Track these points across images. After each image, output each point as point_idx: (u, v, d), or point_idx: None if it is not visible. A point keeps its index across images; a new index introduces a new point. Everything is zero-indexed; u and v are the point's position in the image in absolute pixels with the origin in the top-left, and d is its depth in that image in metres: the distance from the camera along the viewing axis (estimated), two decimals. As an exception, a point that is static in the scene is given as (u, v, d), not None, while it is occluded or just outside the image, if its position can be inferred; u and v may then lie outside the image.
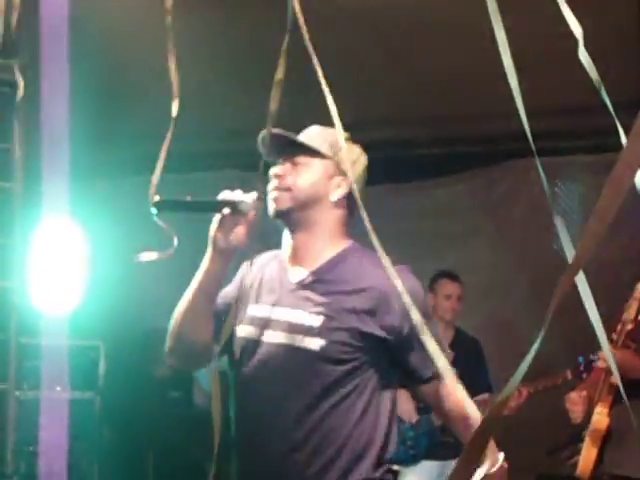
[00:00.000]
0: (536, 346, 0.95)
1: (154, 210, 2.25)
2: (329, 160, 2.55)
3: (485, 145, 6.26)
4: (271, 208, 2.53)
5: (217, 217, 2.43)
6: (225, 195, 2.43)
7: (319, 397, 2.43)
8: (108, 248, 5.59)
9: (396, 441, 2.62)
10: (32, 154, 4.26)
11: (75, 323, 4.90)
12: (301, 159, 2.55)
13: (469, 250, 6.50)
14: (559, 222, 1.05)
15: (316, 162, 2.55)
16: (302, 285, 2.53)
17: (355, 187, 2.44)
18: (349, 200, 2.57)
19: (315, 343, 2.43)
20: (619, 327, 3.76)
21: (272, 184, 2.53)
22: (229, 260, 2.49)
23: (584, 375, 4.46)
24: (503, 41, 1.12)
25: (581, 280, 1.00)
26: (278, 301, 2.53)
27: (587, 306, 1.03)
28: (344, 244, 2.58)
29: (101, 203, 5.94)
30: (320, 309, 2.47)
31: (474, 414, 2.52)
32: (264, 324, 2.53)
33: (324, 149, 2.55)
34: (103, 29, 4.58)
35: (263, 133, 2.43)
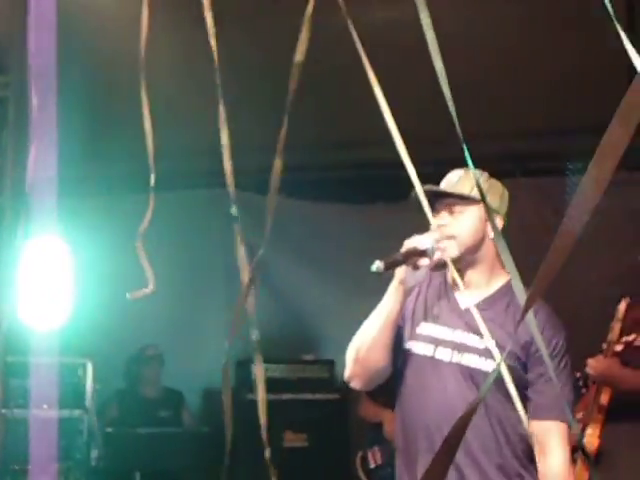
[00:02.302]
0: (497, 365, 0.96)
1: (382, 270, 2.61)
2: (481, 203, 2.75)
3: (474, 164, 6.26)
4: (442, 256, 2.69)
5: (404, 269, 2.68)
6: (411, 243, 2.67)
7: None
8: (96, 266, 5.57)
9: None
10: (22, 170, 4.25)
11: (63, 341, 4.87)
12: (458, 208, 2.78)
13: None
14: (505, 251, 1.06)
15: (473, 208, 2.78)
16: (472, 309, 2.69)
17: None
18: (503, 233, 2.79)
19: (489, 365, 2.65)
20: (605, 347, 3.77)
21: (436, 234, 2.70)
22: (407, 295, 2.76)
23: (582, 391, 4.45)
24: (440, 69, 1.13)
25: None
26: (448, 322, 2.78)
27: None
28: (506, 276, 2.77)
29: (89, 220, 5.92)
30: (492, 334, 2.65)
31: None
32: (437, 342, 2.77)
33: (475, 194, 2.76)
34: (93, 45, 4.58)
35: (415, 192, 2.62)
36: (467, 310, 2.73)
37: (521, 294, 1.03)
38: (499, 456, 2.66)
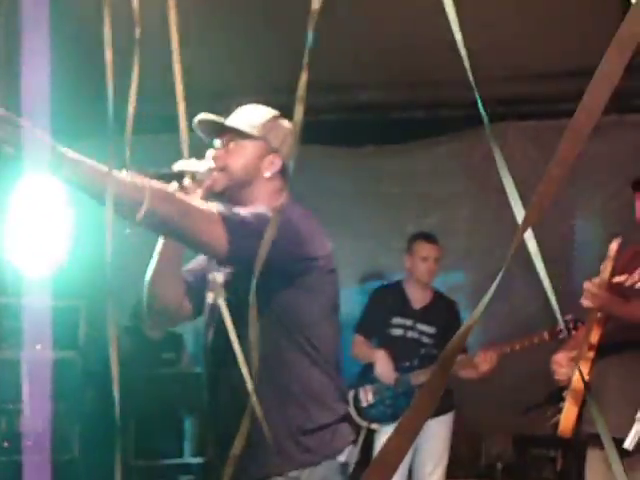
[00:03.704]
0: (497, 281, 0.99)
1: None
2: (260, 140, 2.77)
3: (466, 109, 6.28)
4: (212, 186, 2.71)
5: (174, 186, 2.58)
6: (181, 165, 2.63)
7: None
8: (90, 209, 5.57)
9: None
10: (13, 107, 4.23)
11: (58, 284, 4.90)
12: (234, 142, 2.77)
13: (449, 212, 6.54)
14: (508, 182, 1.08)
15: (247, 144, 2.77)
16: None
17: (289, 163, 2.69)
18: (283, 173, 2.80)
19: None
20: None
21: (210, 163, 2.71)
22: None
23: (572, 333, 4.48)
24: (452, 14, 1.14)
25: (530, 237, 1.04)
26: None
27: (535, 261, 1.07)
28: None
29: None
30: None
31: None
32: (210, 288, 2.80)
33: (255, 131, 2.76)
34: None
35: (197, 117, 2.72)
36: None
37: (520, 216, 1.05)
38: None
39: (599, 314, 3.73)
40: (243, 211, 2.55)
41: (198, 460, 5.90)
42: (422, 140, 6.56)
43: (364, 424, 5.31)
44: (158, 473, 5.78)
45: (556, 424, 3.80)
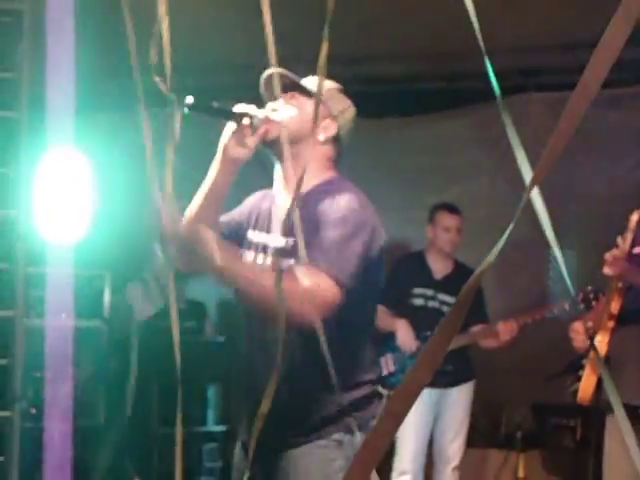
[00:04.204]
0: (511, 227, 1.03)
1: (186, 109, 2.50)
2: (321, 104, 2.76)
3: (488, 81, 6.26)
4: (267, 134, 2.70)
5: (230, 127, 2.66)
6: (242, 107, 2.66)
7: None
8: (115, 179, 5.64)
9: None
10: (38, 84, 4.28)
11: (82, 253, 4.95)
12: (296, 99, 2.80)
13: (471, 184, 6.54)
14: (520, 153, 1.12)
15: (309, 102, 2.79)
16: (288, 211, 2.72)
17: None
18: (335, 142, 2.85)
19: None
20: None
21: (258, 112, 2.70)
22: (234, 172, 2.72)
23: (593, 304, 4.51)
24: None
25: (537, 196, 1.08)
26: (265, 227, 2.82)
27: (542, 221, 1.11)
28: (328, 176, 2.82)
29: (106, 135, 5.96)
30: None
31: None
32: (255, 248, 2.80)
33: (315, 91, 2.74)
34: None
35: (267, 72, 2.73)
36: (285, 211, 2.77)
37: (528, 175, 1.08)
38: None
39: (619, 284, 3.76)
40: (353, 252, 2.61)
41: (221, 428, 5.98)
42: (444, 112, 6.57)
43: (385, 392, 5.36)
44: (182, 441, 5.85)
45: (575, 392, 3.84)
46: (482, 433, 6.07)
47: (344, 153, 2.90)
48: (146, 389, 5.86)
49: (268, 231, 2.82)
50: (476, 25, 1.12)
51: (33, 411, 5.20)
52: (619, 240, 3.76)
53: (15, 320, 4.56)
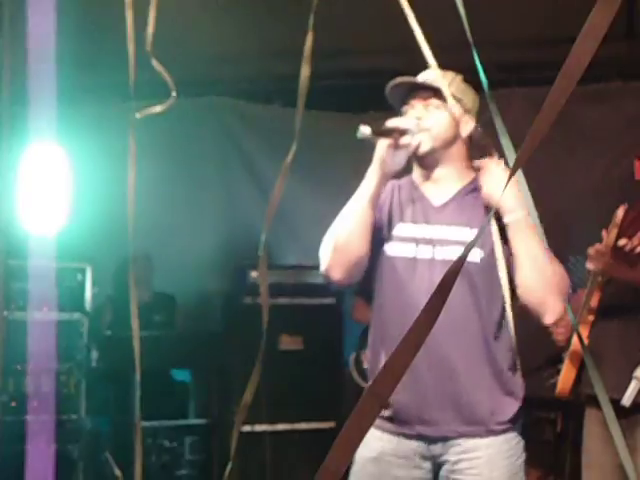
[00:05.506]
0: (490, 216, 1.04)
1: (368, 136, 2.71)
2: (457, 102, 2.80)
3: (470, 75, 6.27)
4: (418, 148, 2.76)
5: (384, 143, 2.72)
6: (394, 122, 2.73)
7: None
8: (93, 172, 5.62)
9: None
10: (19, 77, 4.25)
11: (63, 246, 4.95)
12: (434, 102, 2.80)
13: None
14: (508, 145, 1.14)
15: (444, 105, 2.79)
16: (445, 206, 2.79)
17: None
18: (468, 137, 2.86)
19: (476, 255, 2.68)
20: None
21: (412, 124, 2.74)
22: (386, 183, 2.81)
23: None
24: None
25: (521, 180, 1.09)
26: (425, 220, 2.79)
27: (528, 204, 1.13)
28: (473, 175, 2.84)
29: (86, 128, 5.94)
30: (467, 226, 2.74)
31: None
32: (417, 241, 2.77)
33: (455, 93, 2.80)
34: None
35: (397, 80, 2.80)
36: (440, 206, 2.79)
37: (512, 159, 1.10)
38: (488, 350, 2.75)
39: (599, 278, 3.78)
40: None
41: (202, 421, 5.97)
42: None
43: (365, 386, 5.38)
44: (163, 434, 5.84)
45: (554, 385, 3.86)
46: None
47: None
48: (125, 383, 5.85)
49: (427, 222, 2.79)
50: (464, 19, 1.13)
51: (13, 404, 5.19)
52: (603, 234, 3.78)
53: (-4, 313, 4.55)
